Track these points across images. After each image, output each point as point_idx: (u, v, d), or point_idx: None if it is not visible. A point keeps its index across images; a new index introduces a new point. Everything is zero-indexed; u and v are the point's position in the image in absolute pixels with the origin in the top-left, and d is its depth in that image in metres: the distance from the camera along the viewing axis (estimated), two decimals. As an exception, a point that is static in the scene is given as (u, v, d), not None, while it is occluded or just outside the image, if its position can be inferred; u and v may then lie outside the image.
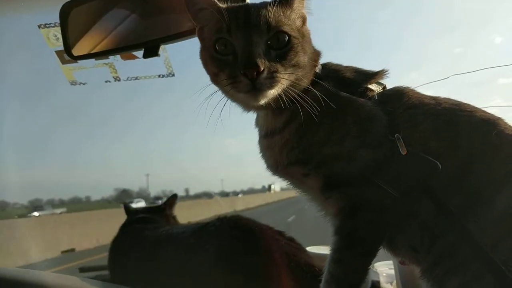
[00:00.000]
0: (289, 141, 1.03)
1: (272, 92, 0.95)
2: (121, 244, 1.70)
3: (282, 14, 0.98)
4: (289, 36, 0.97)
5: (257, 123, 1.14)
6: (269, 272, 1.25)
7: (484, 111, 1.04)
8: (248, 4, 1.01)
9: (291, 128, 1.03)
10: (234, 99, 1.04)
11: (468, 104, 1.05)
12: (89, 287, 1.02)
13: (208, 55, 1.01)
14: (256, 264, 1.27)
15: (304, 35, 1.03)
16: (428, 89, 1.15)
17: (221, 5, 1.00)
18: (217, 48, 0.98)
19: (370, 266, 1.02)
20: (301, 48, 0.99)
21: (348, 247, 0.99)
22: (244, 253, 1.31)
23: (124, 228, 1.80)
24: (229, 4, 1.01)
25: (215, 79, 1.01)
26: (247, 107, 1.08)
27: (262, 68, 0.90)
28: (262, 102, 0.97)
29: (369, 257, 1.00)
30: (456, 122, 1.01)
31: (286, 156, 1.04)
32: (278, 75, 0.93)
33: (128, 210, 1.91)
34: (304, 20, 1.05)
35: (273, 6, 0.97)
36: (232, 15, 0.96)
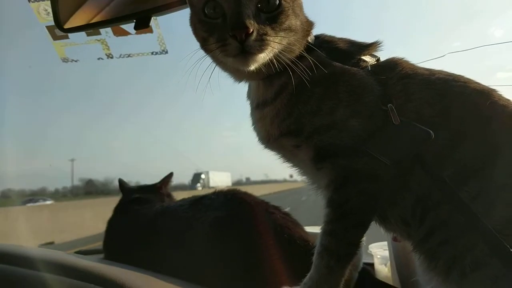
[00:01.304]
0: (280, 112, 1.02)
1: (263, 56, 0.93)
2: (117, 224, 1.69)
3: None
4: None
5: (249, 95, 1.13)
6: (264, 243, 1.24)
7: (478, 83, 1.03)
8: None
9: (283, 98, 1.01)
10: (224, 66, 1.02)
11: (462, 76, 1.04)
12: (83, 263, 1.00)
13: (197, 19, 1.00)
14: (251, 234, 1.27)
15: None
16: None
17: None
18: (206, 11, 0.96)
19: (363, 239, 1.00)
20: (292, 11, 0.97)
21: (340, 218, 0.97)
22: (239, 224, 1.31)
23: (119, 209, 1.78)
24: None
25: (204, 45, 0.99)
26: (238, 74, 1.07)
27: (251, 30, 0.88)
28: (253, 67, 0.95)
29: (362, 228, 0.99)
30: (449, 92, 0.99)
31: (278, 127, 1.03)
32: (268, 37, 0.91)
33: (123, 187, 1.90)
34: None
35: None
36: None
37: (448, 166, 0.93)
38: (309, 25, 1.08)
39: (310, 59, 0.96)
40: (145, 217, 1.53)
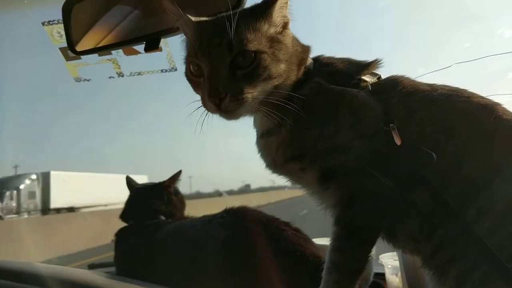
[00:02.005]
0: (285, 140, 1.04)
1: (242, 110, 0.97)
2: (131, 243, 1.69)
3: (250, 27, 0.96)
4: (255, 52, 0.95)
5: (254, 124, 1.16)
6: (276, 261, 1.26)
7: (482, 97, 1.03)
8: (215, 19, 1.00)
9: (286, 127, 1.03)
10: None
11: (465, 90, 1.04)
12: (98, 280, 1.03)
13: (187, 75, 1.06)
14: (262, 253, 1.28)
15: (279, 42, 1.00)
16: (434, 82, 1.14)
17: (194, 19, 1.02)
18: (191, 69, 1.02)
19: (371, 254, 1.02)
20: (271, 60, 0.97)
21: (347, 236, 0.99)
22: (251, 243, 1.32)
23: (133, 228, 1.78)
24: (203, 18, 1.03)
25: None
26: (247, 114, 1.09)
27: (223, 95, 0.92)
28: (235, 119, 1.01)
29: (368, 245, 1.00)
30: (452, 108, 1.00)
31: (283, 154, 1.05)
32: (243, 96, 0.94)
33: (130, 185, 1.92)
34: (285, 25, 1.04)
35: (241, 21, 0.94)
36: (200, 35, 0.98)
37: (453, 183, 0.94)
38: (304, 51, 1.09)
39: (309, 86, 1.00)
40: (159, 238, 1.55)
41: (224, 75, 0.94)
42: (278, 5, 0.99)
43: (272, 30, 1.00)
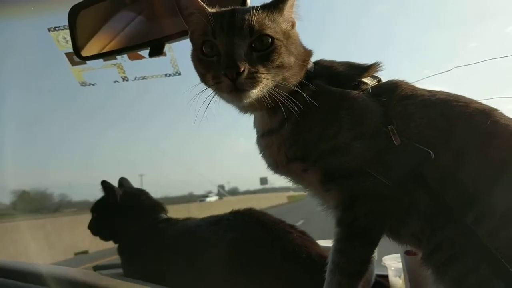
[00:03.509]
0: (286, 140, 1.06)
1: (255, 92, 0.97)
2: (138, 242, 1.68)
3: (267, 17, 1.01)
4: (273, 38, 0.99)
5: (255, 124, 1.17)
6: (282, 262, 1.27)
7: (479, 103, 1.05)
8: (234, 9, 1.03)
9: (287, 127, 1.05)
10: (223, 99, 1.07)
11: (463, 96, 1.06)
12: (104, 281, 1.04)
13: (196, 56, 1.06)
14: (269, 255, 1.29)
15: (290, 37, 1.05)
16: (439, 85, 1.16)
17: (209, 9, 1.03)
18: (203, 50, 1.02)
19: (373, 255, 1.03)
20: (285, 49, 1.01)
21: (349, 237, 1.00)
22: (257, 245, 1.34)
23: (142, 226, 1.77)
24: (218, 9, 1.04)
25: (203, 80, 1.05)
26: (240, 108, 1.12)
27: (242, 69, 0.93)
28: (246, 102, 1.01)
29: (371, 246, 1.02)
30: (450, 112, 1.01)
31: (285, 155, 1.07)
32: (259, 75, 0.96)
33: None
34: (293, 25, 1.08)
35: (259, 10, 1.00)
36: (218, 19, 1.00)
37: (453, 187, 0.95)
38: (307, 54, 1.11)
39: (306, 96, 1.00)
40: (167, 237, 1.57)
41: (243, 52, 0.96)
42: (289, 3, 1.04)
43: (284, 25, 1.05)
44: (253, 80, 0.95)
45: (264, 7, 1.02)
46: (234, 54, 0.95)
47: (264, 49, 0.98)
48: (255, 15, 0.98)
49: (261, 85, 0.96)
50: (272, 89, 0.99)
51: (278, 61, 0.99)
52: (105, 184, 1.79)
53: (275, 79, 0.99)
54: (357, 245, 1.00)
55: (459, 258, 0.92)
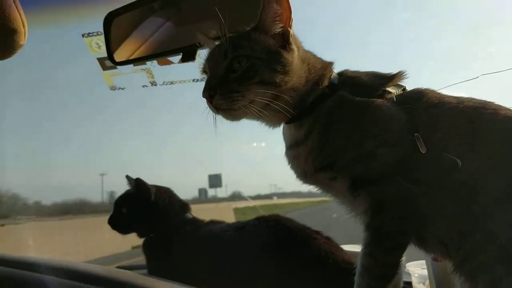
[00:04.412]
0: (313, 150, 1.08)
1: (240, 109, 1.03)
2: (165, 242, 1.71)
3: (245, 37, 1.07)
4: (247, 57, 1.04)
5: (283, 136, 1.20)
6: (309, 268, 1.28)
7: (509, 109, 1.04)
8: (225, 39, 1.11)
9: (313, 138, 1.08)
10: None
11: (492, 103, 1.06)
12: (131, 277, 1.07)
13: None
14: (296, 260, 1.30)
15: (278, 53, 1.07)
16: (462, 91, 1.16)
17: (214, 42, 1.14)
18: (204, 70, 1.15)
19: (402, 259, 1.04)
20: (264, 66, 1.04)
21: (377, 241, 1.02)
22: (284, 250, 1.35)
23: (169, 227, 1.76)
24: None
25: None
26: (266, 122, 1.16)
27: (212, 92, 1.02)
28: (235, 119, 1.08)
29: (400, 249, 1.03)
30: (478, 120, 1.01)
31: (312, 164, 1.09)
32: (234, 94, 1.02)
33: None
34: (285, 38, 1.09)
35: (241, 34, 1.08)
36: (211, 50, 1.12)
37: (480, 194, 0.95)
38: (324, 67, 1.14)
39: (334, 99, 1.05)
40: (194, 238, 1.59)
41: (218, 76, 1.05)
42: (269, 18, 1.07)
43: (270, 42, 1.08)
44: (228, 100, 1.02)
45: (250, 29, 1.09)
46: (210, 79, 1.06)
47: (239, 69, 1.04)
48: (233, 39, 1.06)
49: (241, 102, 1.02)
50: (267, 104, 1.03)
51: (256, 78, 1.03)
52: (139, 181, 1.83)
53: (263, 96, 1.03)
54: (385, 249, 1.01)
55: (491, 265, 0.92)
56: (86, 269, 1.07)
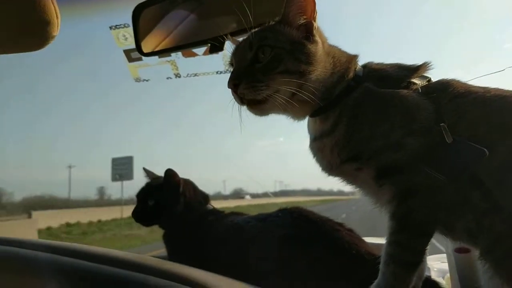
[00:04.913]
0: (339, 142, 1.09)
1: (270, 102, 1.06)
2: (188, 233, 1.71)
3: (269, 29, 1.11)
4: (272, 47, 1.06)
5: (308, 129, 1.22)
6: (333, 259, 1.29)
7: None
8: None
9: (340, 129, 1.09)
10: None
11: None
12: (157, 262, 1.09)
13: None
14: (320, 251, 1.31)
15: (302, 44, 1.09)
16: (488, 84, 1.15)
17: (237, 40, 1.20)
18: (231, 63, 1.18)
19: (427, 247, 1.04)
20: (289, 56, 1.06)
21: (403, 229, 1.02)
22: (308, 241, 1.36)
23: (191, 218, 1.77)
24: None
25: None
26: (290, 115, 1.18)
27: (237, 82, 1.05)
28: (263, 114, 1.11)
29: (425, 237, 1.03)
30: (506, 107, 1.01)
31: (338, 156, 1.10)
32: (257, 84, 1.04)
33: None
34: (308, 30, 1.11)
35: (265, 27, 1.12)
36: (237, 44, 1.17)
37: (507, 183, 0.95)
38: (349, 60, 1.15)
39: (359, 90, 1.07)
40: (217, 229, 1.61)
41: (243, 66, 1.08)
42: (293, 10, 1.09)
43: (294, 33, 1.10)
44: (252, 89, 1.04)
45: (275, 22, 1.12)
46: (234, 70, 1.10)
47: (264, 59, 1.07)
48: (258, 32, 1.10)
49: (265, 91, 1.04)
50: (293, 94, 1.05)
51: (280, 67, 1.05)
52: (170, 172, 1.81)
53: (288, 85, 1.04)
54: (412, 237, 1.02)
55: None
56: (115, 254, 1.09)
